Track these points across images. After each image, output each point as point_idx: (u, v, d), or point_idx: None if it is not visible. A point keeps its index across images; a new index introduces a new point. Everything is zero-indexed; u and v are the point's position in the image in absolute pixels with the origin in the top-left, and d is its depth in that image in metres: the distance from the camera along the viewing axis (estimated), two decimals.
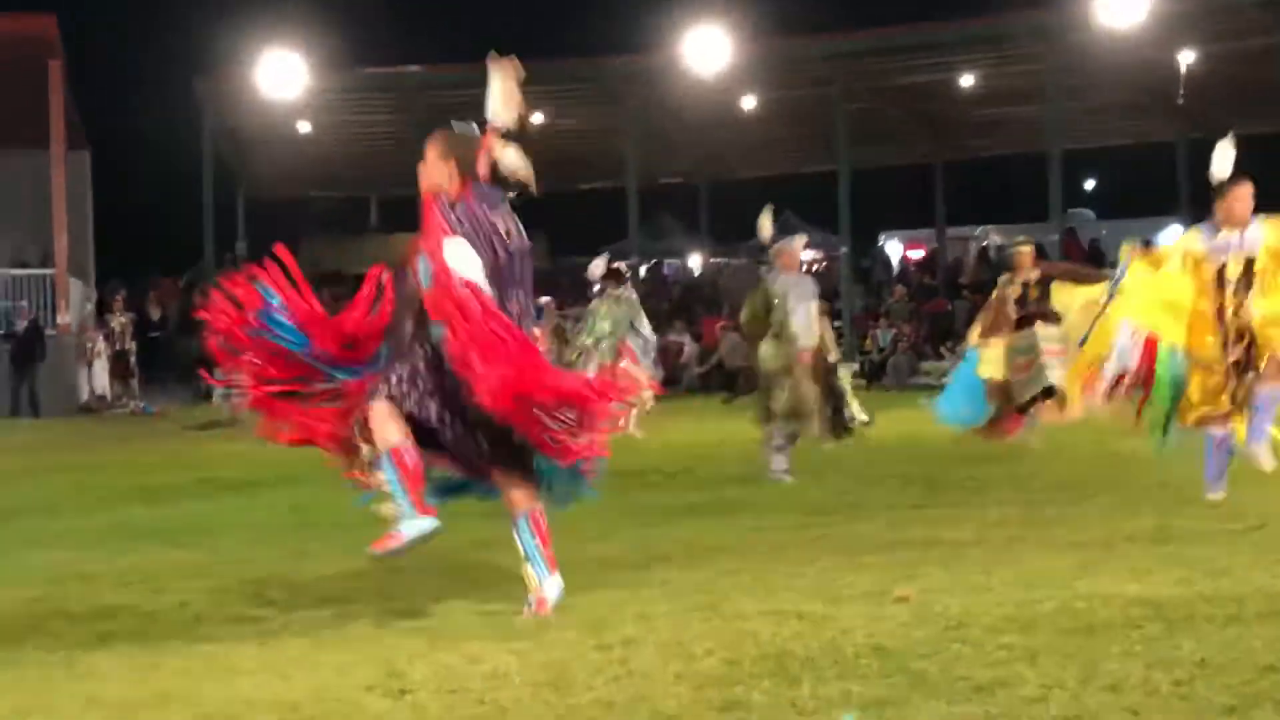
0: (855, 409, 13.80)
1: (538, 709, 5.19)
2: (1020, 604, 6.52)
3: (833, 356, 13.90)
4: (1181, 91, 32.85)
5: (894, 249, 45.84)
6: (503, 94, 7.08)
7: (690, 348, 33.12)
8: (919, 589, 6.99)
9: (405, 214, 41.37)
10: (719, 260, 43.44)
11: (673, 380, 31.52)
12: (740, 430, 18.93)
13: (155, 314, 36.28)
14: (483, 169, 7.04)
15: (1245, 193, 9.97)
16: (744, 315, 13.75)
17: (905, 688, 5.20)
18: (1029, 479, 11.88)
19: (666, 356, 32.63)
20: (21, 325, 30.06)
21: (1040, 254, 36.50)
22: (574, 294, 40.35)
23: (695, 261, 43.60)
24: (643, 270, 39.82)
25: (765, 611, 6.66)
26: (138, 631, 7.05)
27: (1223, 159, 10.10)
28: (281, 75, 34.51)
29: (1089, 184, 51.27)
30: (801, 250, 14.21)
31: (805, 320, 13.13)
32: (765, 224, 13.59)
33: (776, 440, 13.07)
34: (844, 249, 35.79)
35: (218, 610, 7.54)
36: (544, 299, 31.03)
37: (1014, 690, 5.10)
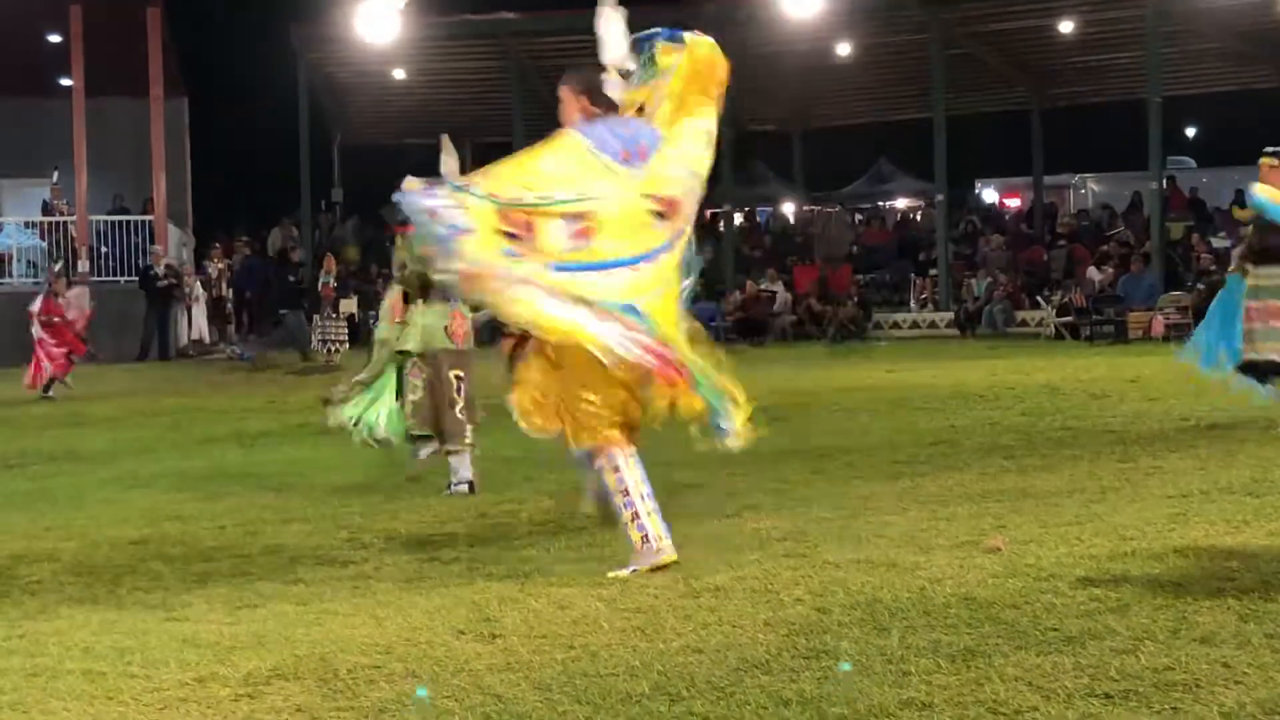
0: None
1: (626, 654, 5.22)
2: (1112, 555, 6.48)
3: None
4: None
5: (990, 197, 45.43)
6: None
7: (783, 296, 33.00)
8: (1010, 540, 6.96)
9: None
10: (812, 208, 43.20)
11: (765, 328, 31.47)
12: (830, 379, 18.93)
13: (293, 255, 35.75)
14: None
15: None
16: None
17: (994, 638, 5.19)
18: (1124, 429, 11.76)
19: (759, 304, 32.56)
20: (162, 269, 30.53)
21: (1138, 203, 36.02)
22: None
23: (788, 209, 43.39)
24: (736, 218, 39.63)
25: (855, 560, 6.67)
26: (233, 574, 7.17)
27: None
28: (377, 22, 34.55)
29: (1190, 131, 50.46)
30: None
31: None
32: None
33: None
34: (939, 197, 35.47)
35: (311, 554, 7.65)
36: None
37: (1104, 642, 5.08)
